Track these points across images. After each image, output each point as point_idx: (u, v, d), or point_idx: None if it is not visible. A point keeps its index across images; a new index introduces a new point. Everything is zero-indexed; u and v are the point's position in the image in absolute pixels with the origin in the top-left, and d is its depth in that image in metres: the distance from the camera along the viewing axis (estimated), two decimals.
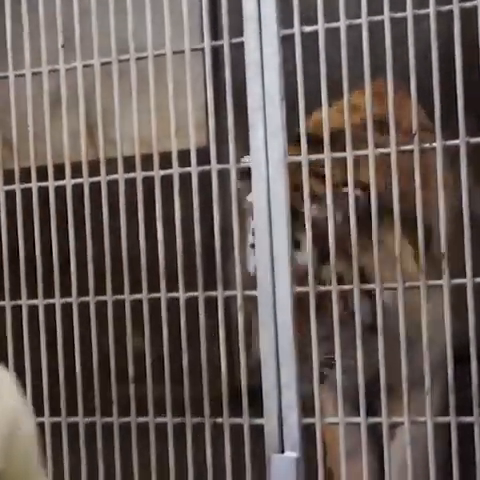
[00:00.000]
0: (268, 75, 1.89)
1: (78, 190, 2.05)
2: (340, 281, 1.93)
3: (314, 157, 1.89)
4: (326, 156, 1.86)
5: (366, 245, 1.90)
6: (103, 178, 2.02)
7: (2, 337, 2.14)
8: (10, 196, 2.11)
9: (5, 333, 2.13)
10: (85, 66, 2.01)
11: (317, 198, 1.95)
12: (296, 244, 1.97)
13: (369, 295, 1.92)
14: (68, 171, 2.04)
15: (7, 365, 2.09)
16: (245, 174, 2.00)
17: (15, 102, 2.08)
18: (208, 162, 1.96)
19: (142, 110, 2.00)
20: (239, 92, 1.93)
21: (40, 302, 2.10)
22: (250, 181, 1.99)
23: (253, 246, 2.02)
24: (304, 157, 1.88)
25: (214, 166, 1.95)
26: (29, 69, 2.03)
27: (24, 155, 2.08)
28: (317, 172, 1.96)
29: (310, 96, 1.89)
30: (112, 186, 2.03)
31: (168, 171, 1.97)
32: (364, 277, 1.92)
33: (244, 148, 1.96)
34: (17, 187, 2.08)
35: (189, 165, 1.97)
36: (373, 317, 1.90)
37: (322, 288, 1.92)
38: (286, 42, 1.90)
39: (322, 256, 1.97)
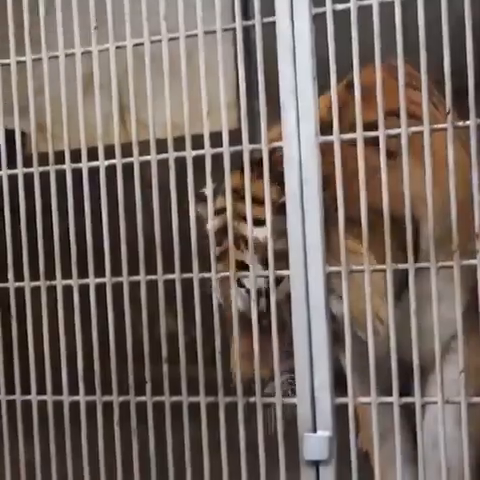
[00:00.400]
0: (300, 55, 1.88)
1: (111, 172, 2.07)
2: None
3: (347, 136, 1.88)
4: (358, 135, 1.86)
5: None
6: (136, 159, 2.02)
7: (37, 317, 2.17)
8: (43, 178, 2.14)
9: (40, 313, 2.16)
10: (117, 47, 2.01)
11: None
12: None
13: None
14: (101, 152, 2.05)
15: (42, 345, 2.16)
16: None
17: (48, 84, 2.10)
18: (238, 144, 1.98)
19: (173, 92, 2.00)
20: (270, 72, 1.92)
21: (75, 282, 2.12)
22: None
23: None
24: (336, 137, 1.87)
25: (246, 146, 1.95)
26: (62, 51, 2.05)
27: (57, 138, 2.10)
28: None
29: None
30: (144, 168, 2.04)
31: (200, 151, 1.97)
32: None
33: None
34: (51, 169, 2.10)
35: (220, 147, 1.97)
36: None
37: (355, 267, 1.91)
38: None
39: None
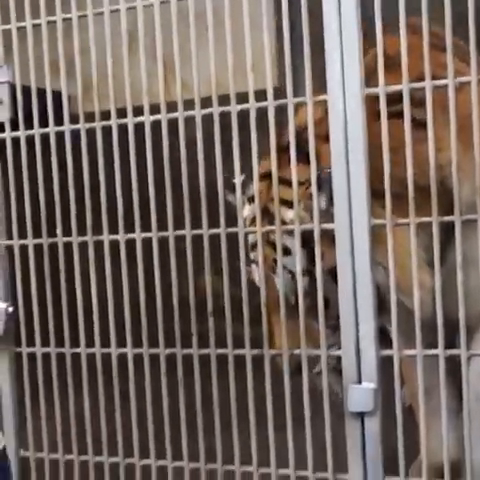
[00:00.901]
0: (345, 7, 1.87)
1: (155, 128, 2.08)
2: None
3: (392, 89, 1.86)
4: (404, 87, 1.85)
5: None
6: (180, 114, 2.04)
7: (85, 272, 2.21)
8: (90, 135, 2.17)
9: (88, 268, 2.19)
10: (162, 2, 2.02)
11: None
12: None
13: None
14: (146, 106, 2.07)
15: (90, 298, 2.20)
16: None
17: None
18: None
19: (216, 49, 2.01)
20: (315, 26, 1.91)
21: (121, 237, 2.15)
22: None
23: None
24: (381, 89, 1.86)
25: (290, 99, 1.95)
26: (107, 6, 2.07)
27: (102, 97, 2.12)
28: None
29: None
30: (188, 125, 2.05)
31: (245, 105, 1.98)
32: None
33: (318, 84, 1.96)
34: (97, 125, 2.13)
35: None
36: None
37: (400, 221, 1.90)
38: None
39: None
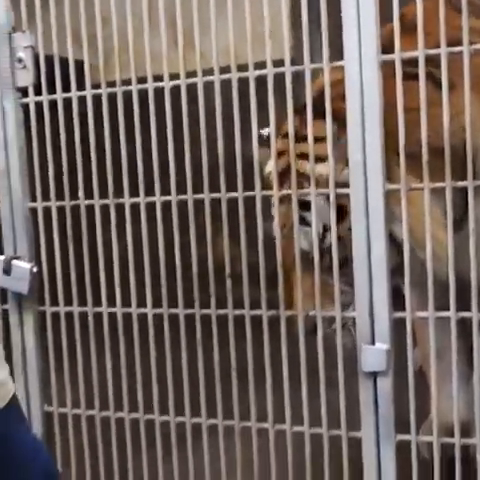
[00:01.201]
0: None
1: (174, 95, 2.10)
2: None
3: (408, 55, 1.87)
4: (420, 53, 1.86)
5: None
6: (200, 80, 2.06)
7: (106, 234, 2.23)
8: (110, 101, 2.19)
9: (109, 230, 2.22)
10: None
11: None
12: None
13: None
14: (166, 73, 2.08)
15: (112, 259, 2.23)
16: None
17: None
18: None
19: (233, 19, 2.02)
20: None
21: (142, 200, 2.17)
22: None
23: None
24: (397, 55, 1.87)
25: (307, 65, 1.96)
26: None
27: (123, 64, 2.14)
28: None
29: None
30: (207, 92, 2.07)
31: (263, 71, 1.99)
32: None
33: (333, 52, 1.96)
34: (119, 90, 2.15)
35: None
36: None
37: (414, 185, 1.92)
38: None
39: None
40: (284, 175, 2.10)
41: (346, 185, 1.98)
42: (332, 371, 2.07)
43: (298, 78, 2.00)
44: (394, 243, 2.03)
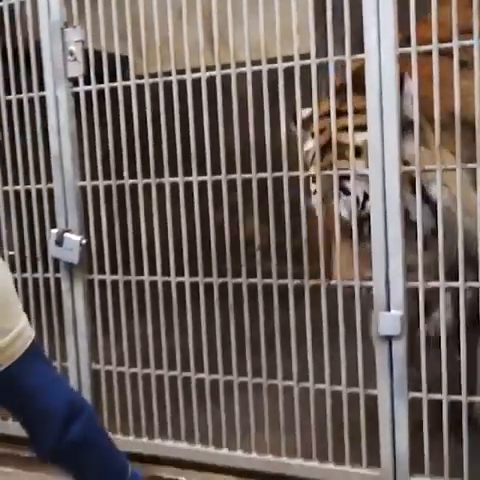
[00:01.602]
0: None
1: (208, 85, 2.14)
2: None
3: (422, 48, 1.89)
4: (434, 47, 1.86)
5: None
6: (233, 71, 2.09)
7: (148, 209, 2.28)
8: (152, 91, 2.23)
9: (151, 206, 2.26)
10: None
11: None
12: None
13: None
14: (203, 65, 2.12)
15: (153, 233, 2.26)
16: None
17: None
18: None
19: (253, 17, 2.05)
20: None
21: (180, 180, 2.21)
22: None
23: None
24: (413, 48, 1.89)
25: (331, 57, 1.99)
26: None
27: (161, 58, 2.17)
28: None
29: None
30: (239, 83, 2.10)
31: (290, 63, 2.01)
32: None
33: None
34: (160, 80, 2.19)
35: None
36: None
37: (427, 167, 1.93)
38: None
39: None
40: (324, 150, 2.09)
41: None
42: (351, 334, 2.08)
43: (321, 69, 2.02)
44: (429, 205, 2.01)
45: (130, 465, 1.79)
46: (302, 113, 2.12)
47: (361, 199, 2.08)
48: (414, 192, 1.97)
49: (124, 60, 2.26)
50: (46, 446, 1.59)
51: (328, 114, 2.07)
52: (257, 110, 2.10)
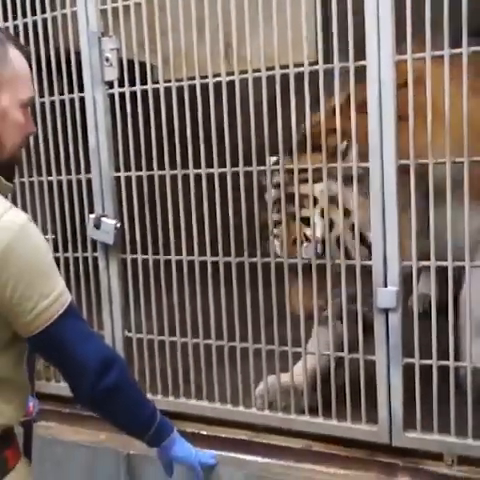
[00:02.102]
0: None
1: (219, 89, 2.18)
2: None
3: (418, 55, 1.92)
4: (427, 54, 1.91)
5: None
6: (250, 75, 2.13)
7: (175, 197, 2.32)
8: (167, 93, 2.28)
9: (177, 194, 2.31)
10: None
11: None
12: None
13: None
14: (223, 71, 2.18)
15: (179, 218, 2.31)
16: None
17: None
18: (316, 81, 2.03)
19: (267, 29, 2.07)
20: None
21: (203, 171, 2.26)
22: None
23: None
24: (409, 55, 1.93)
25: (336, 64, 2.01)
26: None
27: (177, 66, 2.23)
28: None
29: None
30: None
31: (300, 69, 2.06)
32: None
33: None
34: (185, 84, 2.24)
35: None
36: None
37: (420, 161, 1.96)
38: None
39: None
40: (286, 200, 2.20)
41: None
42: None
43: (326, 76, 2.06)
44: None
45: (159, 413, 1.83)
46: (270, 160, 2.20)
47: (319, 245, 2.18)
48: None
49: (151, 67, 2.32)
50: (84, 394, 1.60)
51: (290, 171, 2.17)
52: (270, 111, 2.16)
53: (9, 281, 1.43)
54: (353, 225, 2.14)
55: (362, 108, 2.02)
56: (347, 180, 2.10)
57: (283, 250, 2.23)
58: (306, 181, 2.16)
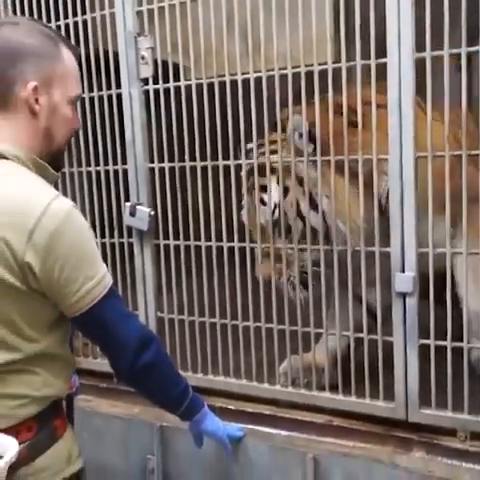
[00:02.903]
0: None
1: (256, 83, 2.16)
2: None
3: (436, 53, 1.87)
4: (445, 52, 1.86)
5: None
6: (264, 74, 2.11)
7: (205, 186, 2.30)
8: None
9: (207, 184, 2.29)
10: None
11: None
12: None
13: None
14: (238, 71, 2.15)
15: (209, 206, 2.30)
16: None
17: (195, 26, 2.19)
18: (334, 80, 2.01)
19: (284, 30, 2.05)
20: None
21: (231, 163, 2.23)
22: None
23: None
24: (428, 53, 1.89)
25: (359, 61, 1.98)
26: None
27: (208, 65, 2.22)
28: None
29: None
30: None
31: (324, 66, 2.01)
32: None
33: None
34: (204, 81, 2.22)
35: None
36: None
37: (438, 153, 1.92)
38: None
39: None
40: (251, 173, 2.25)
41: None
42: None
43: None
44: None
45: (191, 389, 1.84)
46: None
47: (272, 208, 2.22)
48: None
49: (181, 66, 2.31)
50: (123, 370, 1.62)
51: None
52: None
53: (56, 264, 1.43)
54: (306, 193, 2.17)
55: (336, 109, 2.06)
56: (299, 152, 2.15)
57: (248, 217, 2.29)
58: (264, 154, 2.21)
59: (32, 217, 1.39)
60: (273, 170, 2.20)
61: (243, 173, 2.28)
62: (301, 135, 2.15)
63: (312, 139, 2.12)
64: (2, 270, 1.41)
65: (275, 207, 2.23)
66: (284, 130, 2.18)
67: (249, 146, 2.24)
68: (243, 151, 2.23)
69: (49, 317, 1.53)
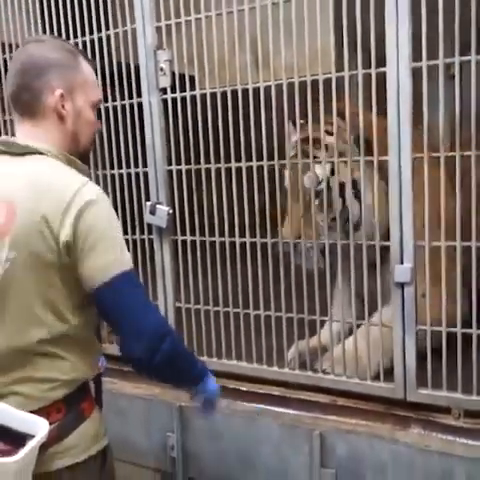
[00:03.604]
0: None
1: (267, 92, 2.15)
2: None
3: (432, 63, 1.87)
4: (440, 62, 1.87)
5: None
6: (273, 83, 2.11)
7: (219, 187, 2.31)
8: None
9: (221, 184, 2.29)
10: (251, 8, 2.11)
11: None
12: None
13: None
14: (262, 81, 2.16)
15: (222, 204, 2.29)
16: None
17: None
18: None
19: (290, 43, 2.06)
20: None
21: (244, 165, 2.23)
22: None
23: None
24: (424, 63, 1.88)
25: (360, 71, 1.99)
26: (224, 9, 2.16)
27: (221, 76, 2.20)
28: None
29: None
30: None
31: (328, 75, 2.02)
32: None
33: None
34: (218, 90, 2.22)
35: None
36: None
37: (433, 154, 1.92)
38: None
39: None
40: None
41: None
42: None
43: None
44: None
45: (207, 373, 1.75)
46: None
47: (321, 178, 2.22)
48: None
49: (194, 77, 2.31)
50: (135, 358, 1.48)
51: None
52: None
53: (82, 232, 1.42)
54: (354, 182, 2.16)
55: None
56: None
57: (291, 180, 2.25)
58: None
59: (67, 196, 1.42)
60: (326, 146, 2.16)
61: (296, 139, 2.23)
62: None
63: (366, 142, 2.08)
64: (42, 247, 1.42)
65: (320, 182, 2.23)
66: (342, 117, 2.12)
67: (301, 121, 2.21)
68: (297, 124, 2.21)
69: (80, 296, 1.50)
